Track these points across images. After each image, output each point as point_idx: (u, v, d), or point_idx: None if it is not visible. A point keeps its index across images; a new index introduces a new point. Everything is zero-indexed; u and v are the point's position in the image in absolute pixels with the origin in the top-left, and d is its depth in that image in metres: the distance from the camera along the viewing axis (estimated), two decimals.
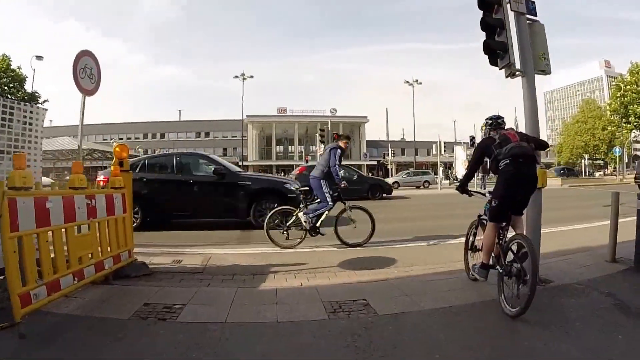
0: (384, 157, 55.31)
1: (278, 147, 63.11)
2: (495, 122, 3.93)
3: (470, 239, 4.41)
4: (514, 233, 3.64)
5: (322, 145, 25.80)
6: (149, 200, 8.07)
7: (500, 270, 3.46)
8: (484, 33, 4.46)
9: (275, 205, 7.19)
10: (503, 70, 4.52)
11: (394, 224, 9.47)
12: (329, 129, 24.87)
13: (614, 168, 49.52)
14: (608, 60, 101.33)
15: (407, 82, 45.28)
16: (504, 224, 3.67)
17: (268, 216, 6.42)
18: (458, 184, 4.36)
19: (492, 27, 4.44)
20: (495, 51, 4.39)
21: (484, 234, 3.79)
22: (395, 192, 20.46)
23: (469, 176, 4.20)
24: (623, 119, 44.66)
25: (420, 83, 45.46)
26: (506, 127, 3.93)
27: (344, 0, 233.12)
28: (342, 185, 6.45)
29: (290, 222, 6.38)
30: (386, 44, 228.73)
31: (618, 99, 44.16)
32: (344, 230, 6.43)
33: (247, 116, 54.61)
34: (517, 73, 4.43)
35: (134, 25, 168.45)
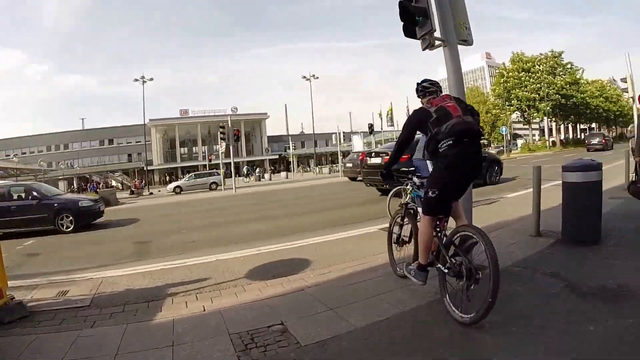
0: (285, 151, 55.93)
1: (182, 149, 62.47)
2: (421, 87, 3.26)
3: (395, 230, 3.86)
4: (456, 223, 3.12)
5: (224, 143, 25.60)
6: None
7: (444, 269, 2.86)
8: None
9: None
10: (420, 41, 4.08)
11: (300, 217, 9.16)
12: (230, 126, 24.47)
13: (496, 146, 54.27)
14: (489, 52, 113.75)
15: (305, 77, 45.65)
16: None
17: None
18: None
19: None
20: (414, 17, 3.90)
21: (420, 230, 3.13)
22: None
23: (396, 157, 3.40)
24: (506, 102, 49.51)
25: (317, 78, 45.81)
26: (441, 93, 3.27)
27: (244, 2, 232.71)
28: None
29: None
30: (287, 43, 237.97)
31: (502, 85, 49.11)
32: None
33: (150, 120, 52.84)
34: (438, 43, 4.02)
35: (34, 34, 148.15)
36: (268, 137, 65.18)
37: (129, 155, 61.82)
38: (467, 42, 4.18)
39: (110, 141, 63.27)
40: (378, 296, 3.34)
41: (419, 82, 3.34)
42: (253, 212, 10.78)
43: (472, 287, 2.61)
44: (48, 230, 9.59)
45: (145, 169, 46.60)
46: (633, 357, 2.17)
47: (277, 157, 60.12)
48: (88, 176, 52.22)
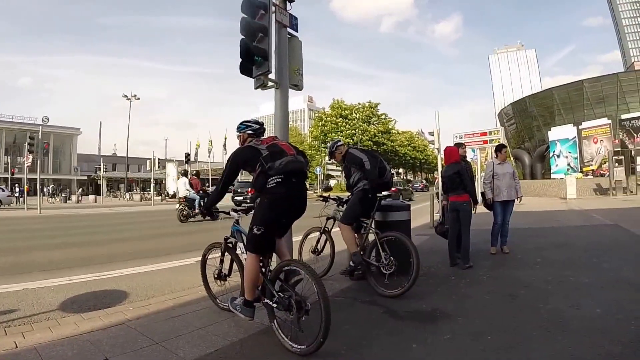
0: (95, 172, 53.42)
1: None
2: (252, 127, 3.29)
3: (213, 264, 3.75)
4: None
5: (31, 156, 23.31)
6: None
7: (272, 304, 2.86)
8: (243, 37, 4.05)
9: None
10: (254, 80, 4.28)
11: (114, 245, 8.43)
12: (40, 138, 22.37)
13: (311, 184, 59.63)
14: (311, 96, 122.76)
15: (126, 96, 43.16)
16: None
17: None
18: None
19: (254, 31, 4.07)
20: (253, 57, 4.04)
21: (245, 267, 3.08)
22: None
23: (221, 194, 3.34)
24: (322, 144, 54.63)
25: (139, 98, 43.64)
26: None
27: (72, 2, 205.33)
28: None
29: None
30: (110, 56, 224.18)
31: (319, 128, 54.05)
32: None
33: None
34: (271, 84, 4.26)
35: None
36: (78, 155, 60.50)
37: None
38: (298, 87, 4.53)
39: None
40: (204, 328, 3.21)
41: (247, 121, 3.35)
42: (61, 237, 9.67)
43: (302, 318, 2.67)
44: None
45: None
46: None
47: (85, 178, 57.10)
48: None
